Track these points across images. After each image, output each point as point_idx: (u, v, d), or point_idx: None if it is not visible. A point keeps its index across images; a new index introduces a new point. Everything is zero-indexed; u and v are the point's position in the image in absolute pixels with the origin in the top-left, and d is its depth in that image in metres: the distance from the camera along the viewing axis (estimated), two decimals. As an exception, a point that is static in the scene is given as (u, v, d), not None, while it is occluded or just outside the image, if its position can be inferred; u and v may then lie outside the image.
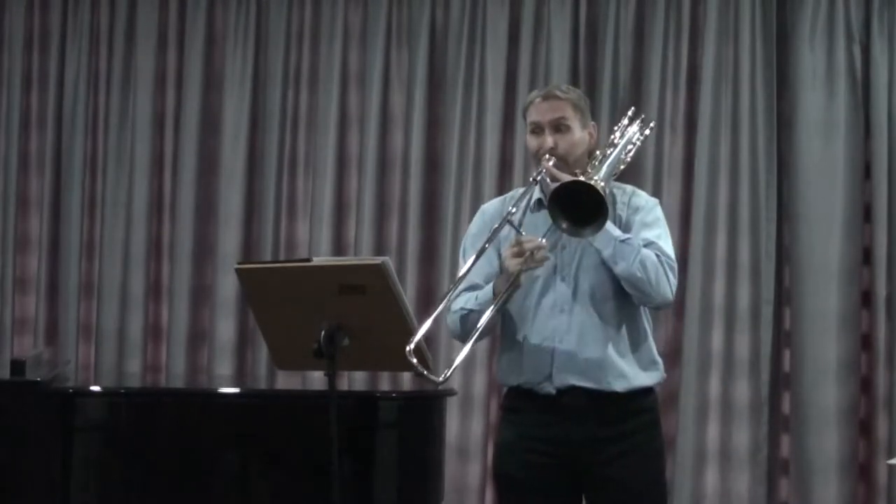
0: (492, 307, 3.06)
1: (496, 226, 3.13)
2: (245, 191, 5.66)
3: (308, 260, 3.32)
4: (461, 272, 3.13)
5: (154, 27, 5.73)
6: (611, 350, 3.16)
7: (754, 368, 5.21)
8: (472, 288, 3.22)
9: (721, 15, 5.32)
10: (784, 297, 5.31)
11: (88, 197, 5.77)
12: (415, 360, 2.89)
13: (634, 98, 5.33)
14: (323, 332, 2.95)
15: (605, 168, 3.13)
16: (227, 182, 5.64)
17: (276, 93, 5.64)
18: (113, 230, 5.71)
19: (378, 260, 2.97)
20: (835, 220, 5.19)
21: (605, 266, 3.14)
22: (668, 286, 3.13)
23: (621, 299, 3.17)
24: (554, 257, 3.18)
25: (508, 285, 3.05)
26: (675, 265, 3.17)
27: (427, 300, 5.49)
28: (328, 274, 3.03)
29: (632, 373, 3.18)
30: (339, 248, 5.58)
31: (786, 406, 5.29)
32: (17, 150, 5.79)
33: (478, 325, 3.06)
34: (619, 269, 3.10)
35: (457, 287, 3.14)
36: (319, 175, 5.58)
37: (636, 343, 3.20)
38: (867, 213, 5.25)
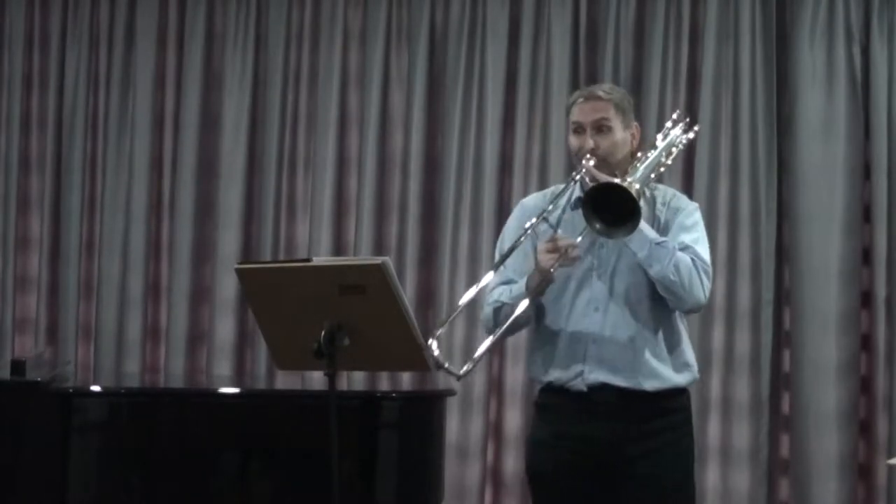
0: (525, 300, 3.10)
1: (531, 222, 3.16)
2: (245, 191, 5.66)
3: (308, 260, 3.32)
4: (497, 261, 3.20)
5: (154, 27, 5.74)
6: (644, 350, 3.17)
7: (754, 368, 5.21)
8: (507, 282, 3.25)
9: (721, 15, 5.32)
10: (784, 296, 5.31)
11: (88, 197, 5.77)
12: (436, 353, 2.91)
13: (635, 98, 5.32)
14: (323, 332, 2.95)
15: (641, 170, 3.14)
16: (227, 182, 5.64)
17: (275, 93, 5.64)
18: (113, 230, 5.71)
19: (378, 260, 2.97)
20: (835, 220, 5.19)
21: (642, 267, 3.15)
22: (701, 290, 3.14)
23: (657, 301, 3.18)
24: (591, 256, 3.21)
25: (541, 280, 3.09)
26: (710, 270, 3.19)
27: (427, 300, 5.49)
28: (328, 274, 3.03)
29: (664, 373, 3.20)
30: (338, 248, 5.58)
31: (786, 406, 5.29)
32: (17, 151, 5.79)
33: (510, 318, 3.11)
34: (654, 271, 3.12)
35: (493, 277, 3.19)
36: (319, 175, 5.58)
37: (670, 345, 3.22)
38: (867, 213, 5.25)
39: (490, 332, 3.25)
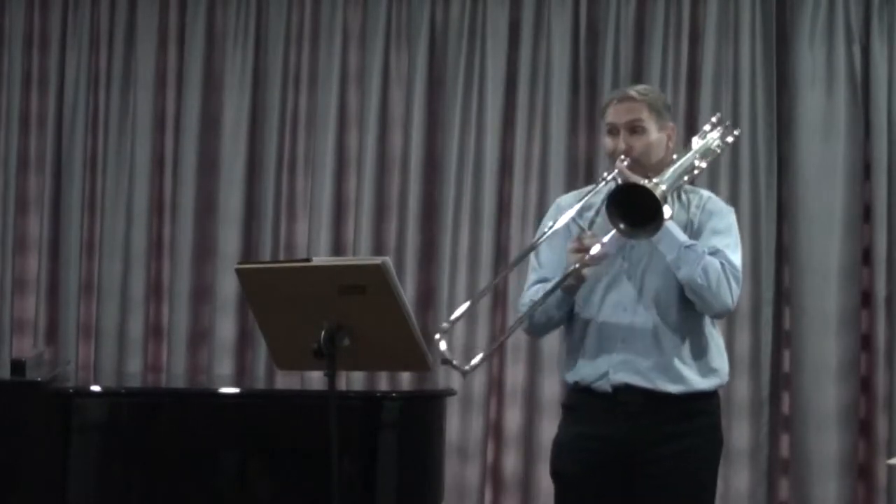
0: (552, 295, 3.14)
1: (550, 224, 3.17)
2: (245, 190, 5.66)
3: (308, 260, 3.32)
4: (532, 262, 3.28)
5: (154, 27, 5.73)
6: (670, 353, 3.16)
7: (754, 368, 5.21)
8: (542, 281, 3.25)
9: (721, 15, 5.32)
10: (784, 296, 5.31)
11: (88, 197, 5.76)
12: (443, 348, 2.92)
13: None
14: (323, 332, 2.95)
15: (670, 173, 3.13)
16: (227, 182, 5.64)
17: (275, 93, 5.64)
18: (113, 230, 5.71)
19: (378, 260, 2.96)
20: (835, 220, 5.19)
21: (671, 271, 3.14)
22: (728, 295, 3.13)
23: (686, 304, 3.17)
24: (622, 258, 3.21)
25: (566, 277, 3.10)
26: (740, 275, 3.17)
27: (427, 300, 5.49)
28: (328, 274, 3.03)
29: (690, 378, 3.17)
30: (338, 248, 5.58)
31: (786, 406, 5.29)
32: (16, 150, 5.79)
33: (547, 315, 3.20)
34: (682, 274, 3.11)
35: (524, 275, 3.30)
36: (319, 175, 5.58)
37: (698, 349, 3.19)
38: (867, 213, 5.25)
39: (527, 330, 3.32)
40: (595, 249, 3.06)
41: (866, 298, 5.24)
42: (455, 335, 5.37)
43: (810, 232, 5.21)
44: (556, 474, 3.32)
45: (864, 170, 5.25)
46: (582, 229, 3.16)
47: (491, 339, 5.39)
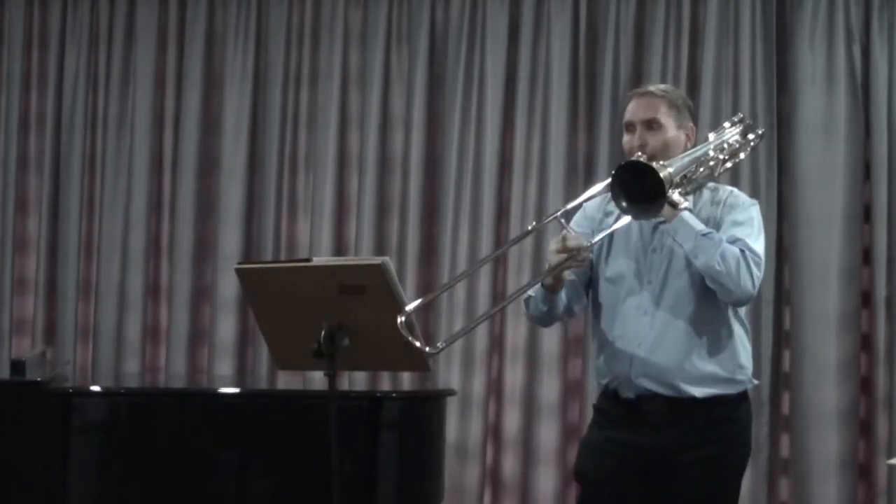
0: (539, 292, 3.15)
1: (556, 213, 3.11)
2: (245, 190, 5.65)
3: (308, 260, 3.31)
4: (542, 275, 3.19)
5: (154, 27, 5.73)
6: (690, 356, 3.12)
7: (755, 368, 5.15)
8: None
9: (721, 15, 5.32)
10: (784, 297, 5.31)
11: (87, 197, 5.76)
12: (406, 333, 2.85)
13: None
14: (323, 332, 2.95)
15: (679, 158, 3.08)
16: (228, 182, 5.63)
17: (276, 92, 5.64)
18: (112, 230, 5.70)
19: (378, 260, 2.96)
20: (835, 220, 5.19)
21: (692, 272, 3.10)
22: (749, 280, 3.05)
23: (706, 306, 3.13)
24: (642, 261, 3.18)
25: (547, 275, 3.06)
26: (762, 261, 3.10)
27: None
28: (328, 274, 3.02)
29: (712, 379, 3.13)
30: (339, 247, 5.58)
31: (786, 406, 5.29)
32: (15, 150, 5.78)
33: (540, 309, 3.19)
34: (699, 262, 3.05)
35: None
36: (320, 175, 5.58)
37: (719, 350, 3.15)
38: (867, 213, 5.25)
39: (531, 319, 3.30)
40: (579, 255, 3.01)
41: (866, 298, 5.24)
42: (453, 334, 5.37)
43: (810, 232, 5.21)
44: (580, 475, 3.30)
45: (864, 170, 5.25)
46: (565, 227, 3.06)
47: (490, 341, 5.40)
